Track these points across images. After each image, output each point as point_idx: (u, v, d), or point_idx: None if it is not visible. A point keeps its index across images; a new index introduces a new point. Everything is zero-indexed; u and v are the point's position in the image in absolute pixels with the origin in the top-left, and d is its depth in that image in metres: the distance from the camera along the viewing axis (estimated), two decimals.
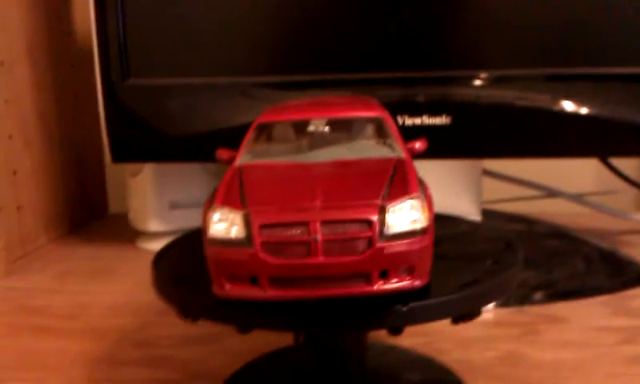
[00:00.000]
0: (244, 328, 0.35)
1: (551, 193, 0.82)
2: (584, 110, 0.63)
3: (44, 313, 0.63)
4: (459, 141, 0.63)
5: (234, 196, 0.34)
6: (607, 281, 0.66)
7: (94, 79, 0.69)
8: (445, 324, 0.38)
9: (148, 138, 0.68)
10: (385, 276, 0.32)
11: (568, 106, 0.63)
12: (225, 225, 0.33)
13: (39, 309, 0.64)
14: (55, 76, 0.86)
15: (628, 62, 0.62)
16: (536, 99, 0.62)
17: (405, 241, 0.32)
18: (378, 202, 0.32)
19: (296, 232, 0.32)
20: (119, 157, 0.69)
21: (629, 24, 0.62)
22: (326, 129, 0.40)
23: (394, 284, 0.32)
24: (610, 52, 0.62)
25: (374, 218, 0.32)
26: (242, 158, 0.40)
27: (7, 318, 0.62)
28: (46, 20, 0.84)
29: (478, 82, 0.63)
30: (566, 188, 0.83)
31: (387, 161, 0.38)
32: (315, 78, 0.65)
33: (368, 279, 0.32)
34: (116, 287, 0.68)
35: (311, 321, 0.33)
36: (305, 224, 0.32)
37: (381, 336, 0.50)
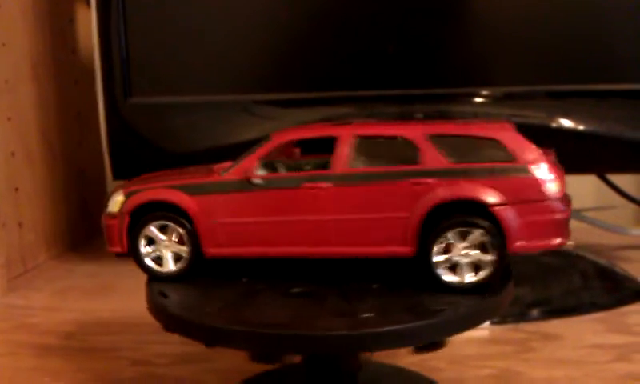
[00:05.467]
0: None
1: None
2: (583, 127, 0.63)
3: (43, 331, 0.63)
4: None
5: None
6: (603, 297, 0.66)
7: (96, 97, 0.70)
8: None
9: (150, 156, 0.68)
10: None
11: (567, 122, 0.63)
12: None
13: (39, 326, 0.64)
14: (58, 94, 0.86)
15: (626, 78, 0.62)
16: (535, 116, 0.63)
17: (105, 218, 0.45)
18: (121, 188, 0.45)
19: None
20: (120, 174, 0.70)
21: (626, 41, 0.62)
22: None
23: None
24: (608, 69, 0.63)
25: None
26: None
27: (6, 336, 0.63)
28: (51, 38, 0.85)
29: (476, 100, 0.64)
30: None
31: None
32: (316, 96, 0.66)
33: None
34: (115, 305, 0.68)
35: None
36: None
37: (375, 355, 0.50)
